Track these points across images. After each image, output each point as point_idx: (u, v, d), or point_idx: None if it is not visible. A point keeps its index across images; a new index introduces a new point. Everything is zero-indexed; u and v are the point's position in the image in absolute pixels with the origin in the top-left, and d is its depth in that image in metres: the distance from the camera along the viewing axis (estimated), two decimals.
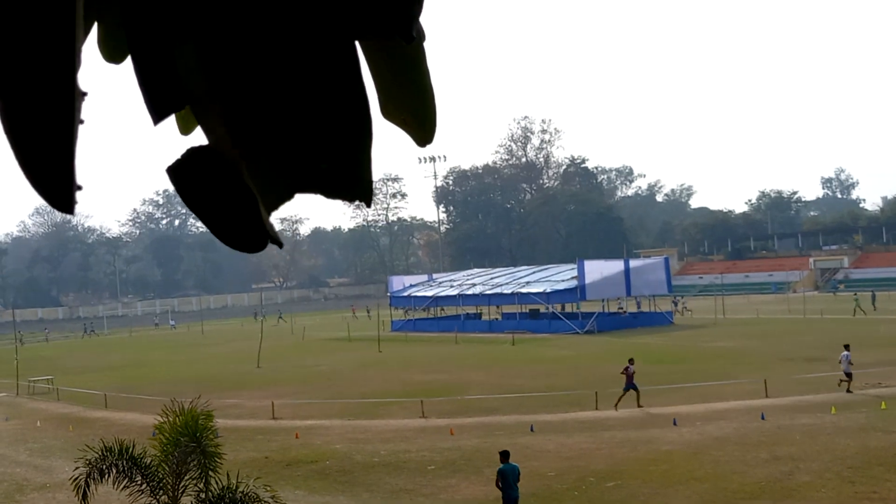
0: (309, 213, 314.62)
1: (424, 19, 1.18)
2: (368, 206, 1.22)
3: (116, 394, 37.61)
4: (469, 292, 69.76)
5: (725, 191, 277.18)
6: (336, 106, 1.14)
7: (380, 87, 1.32)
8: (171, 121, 1.25)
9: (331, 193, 1.17)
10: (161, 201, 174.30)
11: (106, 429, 26.75)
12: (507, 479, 16.09)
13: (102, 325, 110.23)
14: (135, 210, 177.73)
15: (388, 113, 1.35)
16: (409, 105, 1.34)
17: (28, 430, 31.78)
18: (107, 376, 47.54)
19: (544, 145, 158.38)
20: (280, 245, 1.23)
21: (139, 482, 10.73)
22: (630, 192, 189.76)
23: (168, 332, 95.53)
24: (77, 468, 11.09)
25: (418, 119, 1.35)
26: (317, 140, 1.15)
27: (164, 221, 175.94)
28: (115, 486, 10.99)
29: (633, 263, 67.40)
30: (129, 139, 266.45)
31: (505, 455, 16.61)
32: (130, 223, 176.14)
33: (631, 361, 28.65)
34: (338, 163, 1.16)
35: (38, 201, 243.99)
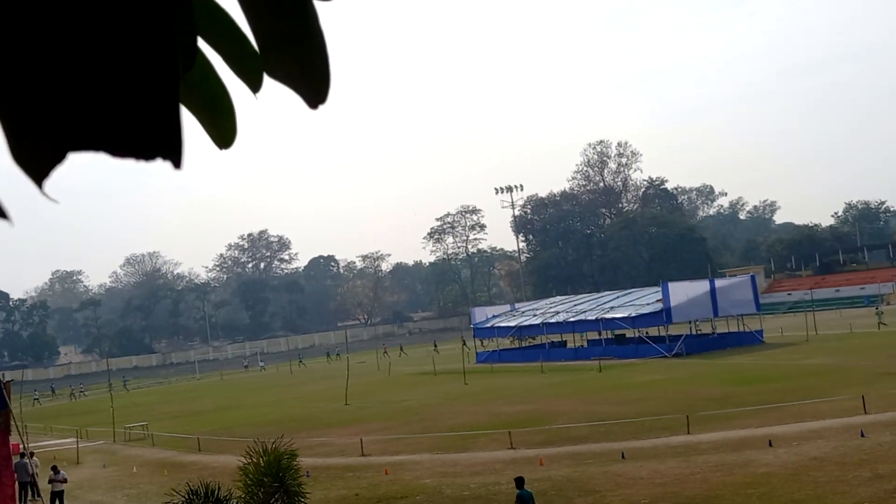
0: (390, 248, 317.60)
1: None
2: (177, 166, 0.98)
3: (209, 437, 38.23)
4: (552, 320, 69.28)
5: (810, 205, 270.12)
6: (117, 40, 0.92)
7: (257, 33, 1.15)
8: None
9: (120, 151, 0.94)
10: (246, 245, 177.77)
11: (199, 472, 27.13)
12: None
13: (194, 369, 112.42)
14: (221, 255, 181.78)
15: (270, 67, 1.18)
16: (293, 55, 1.15)
17: (125, 477, 32.46)
18: (199, 420, 48.41)
19: (622, 169, 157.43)
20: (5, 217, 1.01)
21: None
22: (712, 211, 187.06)
23: (257, 374, 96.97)
24: None
25: (306, 72, 1.15)
26: (91, 84, 0.91)
27: (249, 265, 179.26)
28: None
29: (719, 283, 66.11)
30: (210, 187, 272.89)
31: (520, 482, 17.37)
32: (217, 268, 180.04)
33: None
34: (126, 113, 0.93)
35: (129, 251, 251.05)
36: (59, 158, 0.94)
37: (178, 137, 0.95)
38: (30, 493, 28.50)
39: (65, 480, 26.63)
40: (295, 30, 1.12)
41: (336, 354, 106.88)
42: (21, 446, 28.78)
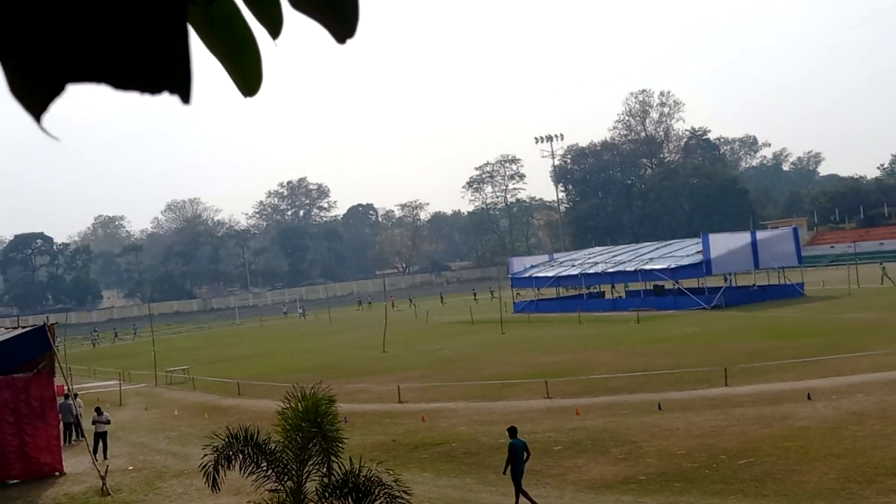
0: (428, 198, 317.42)
1: None
2: (186, 101, 0.91)
3: (248, 382, 38.76)
4: (591, 271, 69.03)
5: (856, 156, 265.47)
6: None
7: None
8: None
9: (123, 83, 0.87)
10: (285, 193, 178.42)
11: (239, 416, 27.53)
12: (517, 453, 16.98)
13: (234, 315, 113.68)
14: (261, 202, 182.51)
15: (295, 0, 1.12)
16: None
17: (166, 419, 33.06)
18: (239, 365, 49.06)
19: (664, 118, 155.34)
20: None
21: (265, 468, 10.95)
22: (755, 162, 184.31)
23: (297, 321, 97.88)
24: (205, 455, 11.40)
25: (332, 2, 1.10)
26: (91, 9, 0.85)
27: (289, 213, 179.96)
28: (242, 472, 11.25)
29: (761, 235, 65.37)
30: (251, 133, 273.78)
31: (513, 431, 17.69)
32: (257, 216, 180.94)
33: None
34: (129, 42, 0.86)
35: (170, 197, 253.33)
36: (57, 91, 0.88)
37: (187, 69, 0.88)
38: (73, 433, 29.10)
39: (108, 422, 27.12)
40: None
41: (368, 303, 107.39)
42: (65, 388, 29.34)
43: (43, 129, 0.93)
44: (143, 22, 0.86)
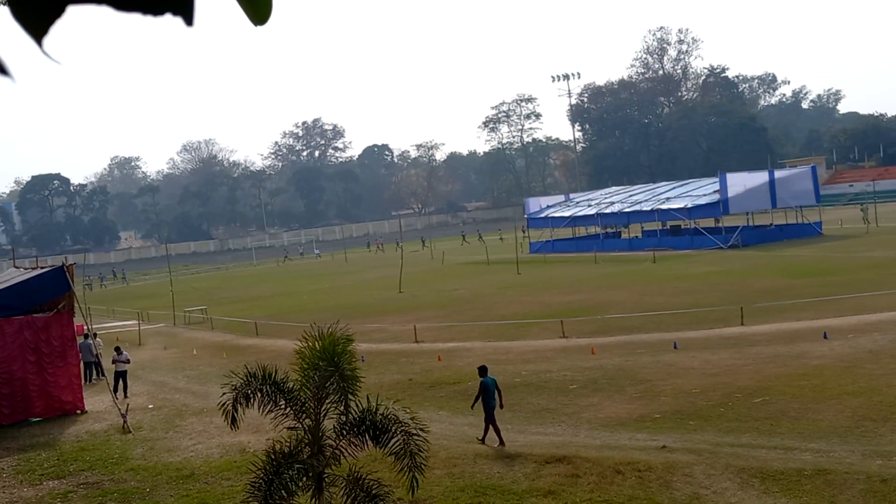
0: (444, 138, 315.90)
1: None
2: (189, 23, 0.89)
3: (266, 322, 39.06)
4: (607, 211, 68.85)
5: (877, 94, 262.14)
6: None
7: None
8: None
9: (124, 4, 0.85)
10: (301, 133, 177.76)
11: (257, 355, 27.75)
12: (489, 391, 17.40)
13: (251, 256, 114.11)
14: (276, 143, 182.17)
15: None
16: None
17: (185, 358, 33.42)
18: (257, 305, 49.42)
19: (682, 56, 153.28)
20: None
21: (283, 406, 11.04)
22: (773, 100, 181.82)
23: (313, 262, 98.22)
24: (223, 394, 11.51)
25: None
26: None
27: (304, 153, 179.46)
28: (261, 411, 11.36)
29: (779, 174, 64.87)
30: (265, 74, 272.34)
31: (483, 370, 17.95)
32: (273, 156, 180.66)
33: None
34: None
35: (185, 138, 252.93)
36: (58, 12, 0.86)
37: None
38: (94, 372, 29.47)
39: (127, 361, 27.41)
40: None
41: (377, 245, 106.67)
42: (84, 328, 29.64)
43: (45, 53, 0.92)
44: None
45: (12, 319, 23.86)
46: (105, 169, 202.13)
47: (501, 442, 16.89)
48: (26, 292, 24.52)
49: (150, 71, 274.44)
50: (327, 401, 10.73)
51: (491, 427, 17.23)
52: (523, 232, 75.91)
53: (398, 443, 10.60)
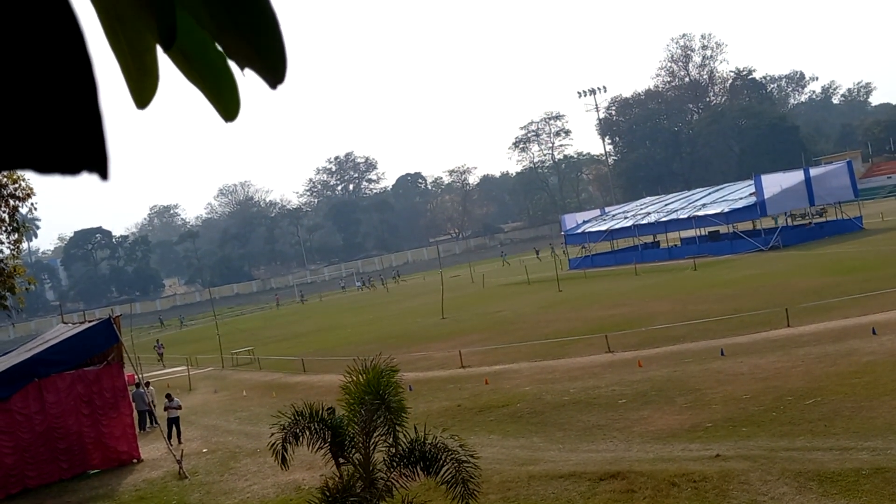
0: (475, 161, 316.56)
1: None
2: (104, 178, 0.93)
3: (312, 357, 39.28)
4: (644, 222, 68.55)
5: None
6: (21, 54, 0.87)
7: (212, 18, 1.15)
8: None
9: (43, 168, 0.90)
10: (333, 168, 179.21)
11: (305, 392, 27.98)
12: None
13: (293, 293, 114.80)
14: (310, 180, 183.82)
15: (228, 52, 1.20)
16: (248, 36, 1.15)
17: (236, 400, 33.68)
18: (302, 342, 49.70)
19: (707, 61, 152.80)
20: None
21: (331, 442, 11.17)
22: (803, 98, 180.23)
23: (355, 294, 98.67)
24: (272, 434, 11.66)
25: (262, 54, 1.17)
26: (9, 106, 0.87)
27: (339, 188, 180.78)
28: (310, 448, 11.48)
29: (814, 172, 64.31)
30: (295, 112, 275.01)
31: None
32: (308, 193, 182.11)
33: None
34: (42, 128, 0.88)
35: (221, 182, 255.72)
36: None
37: (102, 148, 0.91)
38: (148, 421, 29.80)
39: (179, 407, 27.72)
40: (247, 15, 1.14)
41: (398, 276, 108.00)
42: (136, 377, 30.02)
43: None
44: (57, 111, 0.88)
45: (64, 374, 24.25)
46: (145, 219, 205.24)
47: None
48: (76, 347, 24.92)
49: (183, 119, 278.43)
50: (375, 434, 10.84)
51: None
52: (556, 249, 75.96)
53: (449, 471, 10.65)
